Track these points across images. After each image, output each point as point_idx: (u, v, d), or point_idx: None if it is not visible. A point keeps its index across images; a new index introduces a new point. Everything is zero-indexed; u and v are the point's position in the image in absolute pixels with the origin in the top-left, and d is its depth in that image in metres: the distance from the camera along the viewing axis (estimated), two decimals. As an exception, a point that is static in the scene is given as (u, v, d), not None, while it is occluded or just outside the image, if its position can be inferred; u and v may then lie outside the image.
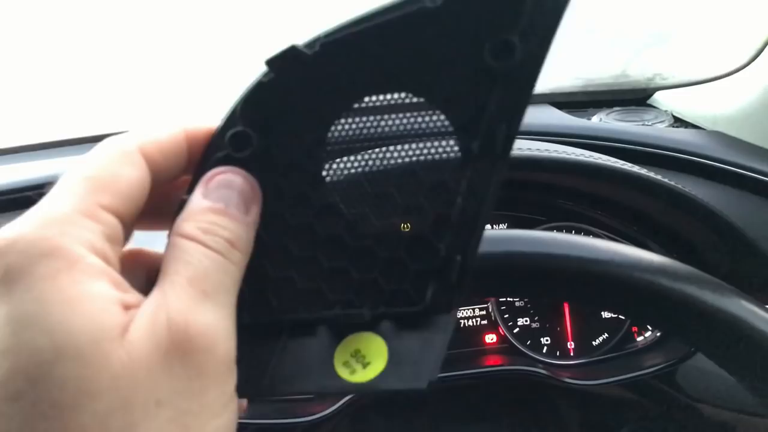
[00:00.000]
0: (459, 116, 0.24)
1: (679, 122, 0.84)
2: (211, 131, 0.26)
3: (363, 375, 0.24)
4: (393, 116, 0.25)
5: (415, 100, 0.25)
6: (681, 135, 0.77)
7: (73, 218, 0.21)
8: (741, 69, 0.79)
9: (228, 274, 0.23)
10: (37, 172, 0.74)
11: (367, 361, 0.25)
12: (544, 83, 0.92)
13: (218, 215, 0.24)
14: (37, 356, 0.18)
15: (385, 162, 0.25)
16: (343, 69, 0.25)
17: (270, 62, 0.25)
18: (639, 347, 0.72)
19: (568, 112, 0.85)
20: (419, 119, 0.25)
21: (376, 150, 0.26)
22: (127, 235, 0.24)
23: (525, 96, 0.24)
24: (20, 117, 1.00)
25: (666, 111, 0.87)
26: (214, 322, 0.21)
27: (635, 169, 0.57)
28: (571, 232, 0.70)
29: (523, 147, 0.57)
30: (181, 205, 0.25)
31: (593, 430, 0.72)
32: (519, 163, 0.58)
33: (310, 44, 0.25)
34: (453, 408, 0.72)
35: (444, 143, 0.25)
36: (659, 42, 0.99)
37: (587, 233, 0.70)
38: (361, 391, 0.25)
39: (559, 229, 0.71)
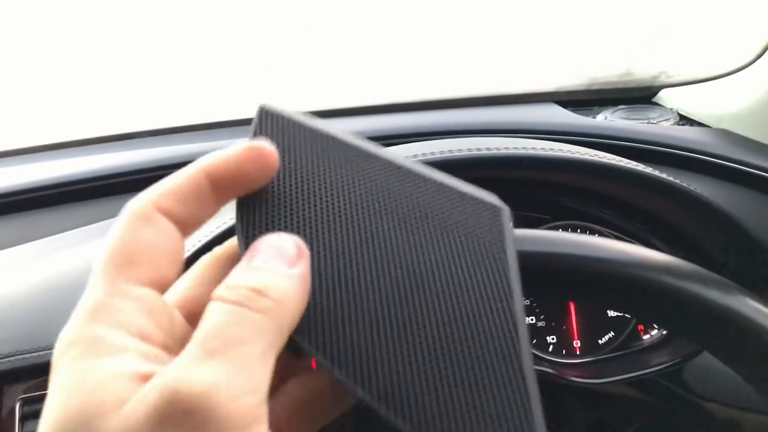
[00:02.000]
0: None
1: (684, 120, 0.84)
2: (232, 160, 0.26)
3: None
4: None
5: None
6: (686, 133, 0.77)
7: (103, 304, 0.22)
8: (746, 67, 0.79)
9: (248, 325, 0.21)
10: (40, 174, 0.74)
11: None
12: (549, 81, 0.92)
13: (253, 272, 0.23)
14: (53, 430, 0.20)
15: None
16: None
17: None
18: (645, 345, 0.72)
19: (573, 111, 0.84)
20: None
21: None
22: (169, 284, 0.25)
23: None
24: (22, 118, 1.01)
25: (671, 109, 0.87)
26: (214, 380, 0.20)
27: (640, 167, 0.57)
28: (575, 231, 0.70)
29: (527, 146, 0.57)
30: None
31: (599, 429, 0.72)
32: (523, 162, 0.58)
33: None
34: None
35: None
36: (664, 40, 0.99)
37: (592, 232, 0.70)
38: None
39: (564, 228, 0.70)
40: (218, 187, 0.25)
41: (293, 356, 0.28)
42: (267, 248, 0.24)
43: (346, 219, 0.28)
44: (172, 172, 0.73)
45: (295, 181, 0.28)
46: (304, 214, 0.27)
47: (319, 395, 0.27)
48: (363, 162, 0.30)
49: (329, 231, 0.27)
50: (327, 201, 0.28)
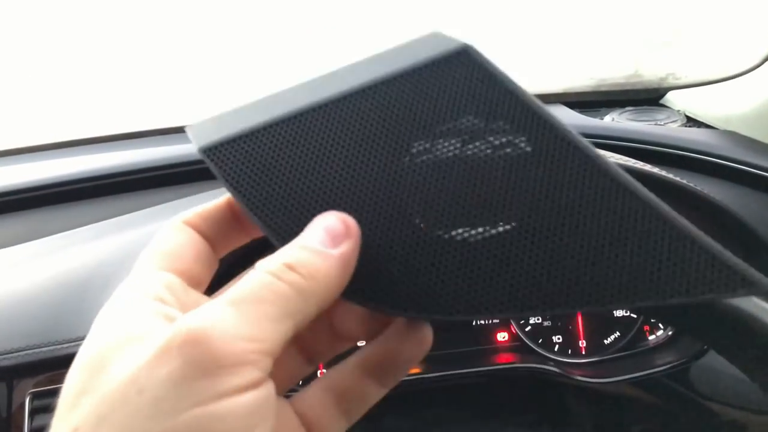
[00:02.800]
0: None
1: (691, 122, 0.84)
2: None
3: None
4: None
5: None
6: (694, 134, 0.77)
7: (132, 281, 0.27)
8: (754, 69, 0.79)
9: (271, 290, 0.24)
10: (54, 172, 0.75)
11: None
12: (557, 82, 0.92)
13: (292, 249, 0.25)
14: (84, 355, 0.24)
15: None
16: None
17: None
18: (650, 346, 0.72)
19: (581, 112, 0.85)
20: None
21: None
22: (200, 281, 0.29)
23: None
24: (24, 118, 1.01)
25: (679, 110, 0.87)
26: (218, 320, 0.22)
27: (647, 168, 0.57)
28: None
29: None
30: None
31: (605, 429, 0.72)
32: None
33: None
34: (464, 406, 0.73)
35: None
36: (672, 42, 0.99)
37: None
38: None
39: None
40: (243, 217, 0.30)
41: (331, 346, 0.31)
42: (315, 227, 0.26)
43: (367, 175, 0.28)
44: (180, 171, 0.74)
45: (301, 178, 0.28)
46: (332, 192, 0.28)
47: (357, 384, 0.30)
48: (322, 119, 0.29)
49: (359, 196, 0.27)
50: (341, 170, 0.28)
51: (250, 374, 0.22)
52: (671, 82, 0.91)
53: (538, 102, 0.28)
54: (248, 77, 1.07)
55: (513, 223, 0.26)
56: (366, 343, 0.30)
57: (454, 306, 0.26)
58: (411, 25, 1.19)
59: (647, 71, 0.95)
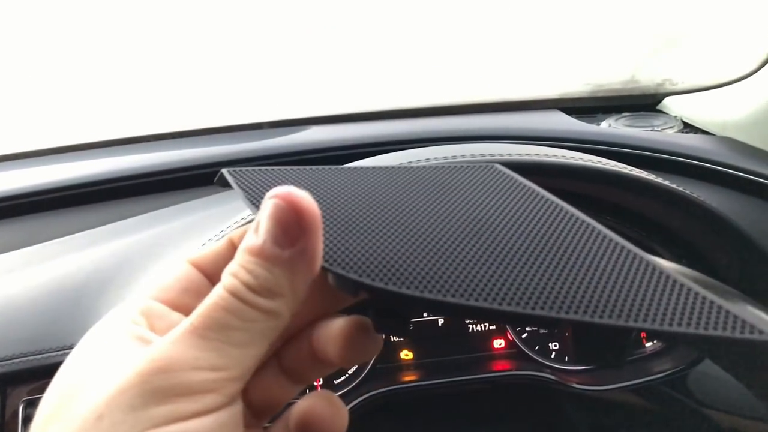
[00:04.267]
0: None
1: (688, 128, 0.84)
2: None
3: None
4: None
5: None
6: (690, 140, 0.77)
7: (126, 307, 0.27)
8: (750, 75, 0.79)
9: (236, 315, 0.23)
10: (46, 178, 0.75)
11: None
12: (554, 88, 0.92)
13: (249, 255, 0.24)
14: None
15: None
16: None
17: None
18: (648, 353, 0.72)
19: (577, 118, 0.85)
20: None
21: None
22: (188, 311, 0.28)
23: None
24: (29, 121, 1.01)
25: (675, 116, 0.87)
26: (180, 350, 0.23)
27: (644, 174, 0.57)
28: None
29: (531, 152, 0.57)
30: None
31: (601, 436, 0.72)
32: (527, 169, 0.58)
33: None
34: (461, 413, 0.72)
35: None
36: (668, 47, 0.99)
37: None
38: None
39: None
40: None
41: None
42: (268, 220, 0.23)
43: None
44: (178, 176, 0.73)
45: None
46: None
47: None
48: (349, 176, 0.32)
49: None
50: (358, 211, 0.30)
51: (212, 400, 0.23)
52: (668, 87, 0.92)
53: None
54: (245, 81, 1.07)
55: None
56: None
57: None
58: (410, 26, 1.19)
59: (644, 77, 0.95)
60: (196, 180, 0.74)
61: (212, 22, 1.17)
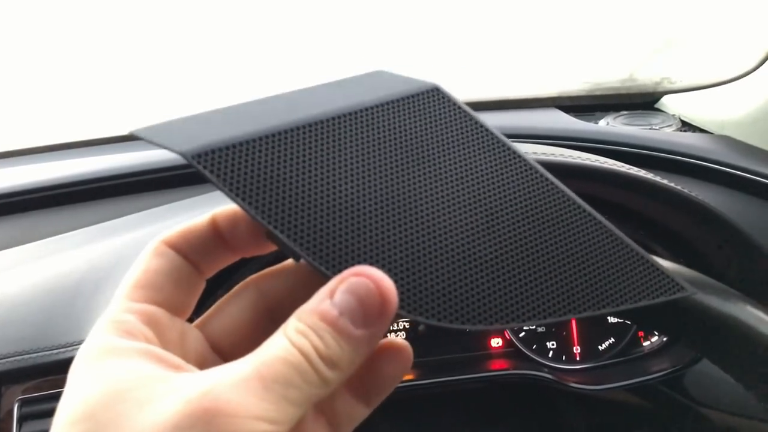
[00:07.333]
0: None
1: (686, 126, 0.84)
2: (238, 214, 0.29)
3: None
4: None
5: None
6: (688, 139, 0.77)
7: (113, 318, 0.26)
8: (749, 73, 0.79)
9: (299, 373, 0.23)
10: (42, 175, 0.74)
11: None
12: (552, 86, 0.92)
13: (325, 324, 0.24)
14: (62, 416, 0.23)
15: None
16: None
17: None
18: (645, 352, 0.72)
19: (575, 116, 0.84)
20: None
21: None
22: (183, 308, 0.28)
23: None
24: (24, 119, 1.01)
25: (673, 115, 0.87)
26: (241, 395, 0.22)
27: (642, 173, 0.57)
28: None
29: (529, 151, 0.57)
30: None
31: (599, 435, 0.72)
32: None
33: None
34: (458, 412, 0.72)
35: None
36: (667, 46, 0.99)
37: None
38: None
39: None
40: (224, 228, 0.29)
41: None
42: (348, 294, 0.24)
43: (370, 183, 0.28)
44: (173, 174, 0.73)
45: (311, 187, 0.27)
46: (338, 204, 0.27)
47: (344, 405, 0.29)
48: (318, 135, 0.29)
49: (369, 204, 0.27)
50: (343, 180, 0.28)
51: None
52: (666, 86, 0.91)
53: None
54: (240, 81, 1.07)
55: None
56: None
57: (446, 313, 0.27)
58: (409, 26, 1.19)
59: (642, 75, 0.94)
60: (191, 178, 0.73)
61: (208, 19, 1.16)
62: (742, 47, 0.81)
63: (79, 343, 0.54)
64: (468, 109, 0.32)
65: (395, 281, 0.25)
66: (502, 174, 0.31)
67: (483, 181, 0.30)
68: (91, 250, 0.63)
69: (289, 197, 0.27)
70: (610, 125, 0.83)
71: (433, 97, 0.32)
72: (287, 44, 1.13)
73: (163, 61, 1.09)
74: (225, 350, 0.29)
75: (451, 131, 0.31)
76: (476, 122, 0.32)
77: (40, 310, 0.57)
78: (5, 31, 1.09)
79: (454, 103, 0.32)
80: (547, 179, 0.32)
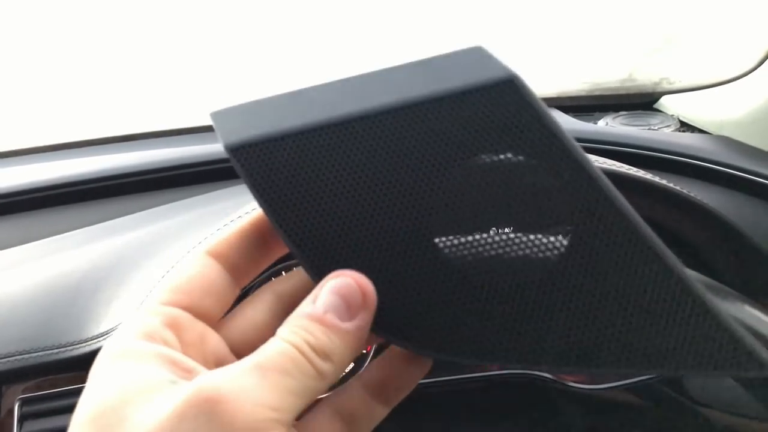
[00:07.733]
0: None
1: (685, 127, 0.84)
2: None
3: None
4: None
5: None
6: (687, 139, 0.77)
7: (137, 321, 0.27)
8: (748, 74, 0.79)
9: (295, 364, 0.24)
10: (43, 175, 0.74)
11: None
12: (551, 87, 0.92)
13: (313, 322, 0.25)
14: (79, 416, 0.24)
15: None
16: None
17: None
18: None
19: (574, 116, 0.85)
20: None
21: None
22: (211, 314, 0.29)
23: None
24: (26, 118, 1.01)
25: (672, 115, 0.87)
26: (238, 383, 0.23)
27: (640, 173, 0.57)
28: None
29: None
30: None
31: (598, 435, 0.72)
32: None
33: None
34: (456, 412, 0.72)
35: None
36: (666, 46, 0.99)
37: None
38: None
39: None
40: (269, 239, 0.30)
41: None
42: (330, 294, 0.26)
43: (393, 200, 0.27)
44: (177, 174, 0.73)
45: (327, 192, 0.28)
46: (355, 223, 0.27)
47: (363, 405, 0.31)
48: (357, 135, 0.28)
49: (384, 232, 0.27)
50: (363, 190, 0.27)
51: None
52: (665, 86, 0.92)
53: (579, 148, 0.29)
54: (246, 80, 1.07)
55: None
56: (368, 365, 0.31)
57: (471, 349, 0.27)
58: (409, 27, 1.19)
59: (641, 75, 0.95)
60: (192, 178, 0.73)
61: (210, 18, 1.16)
62: (741, 48, 0.81)
63: (80, 342, 0.54)
64: (543, 109, 0.28)
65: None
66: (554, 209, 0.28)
67: (521, 214, 0.27)
68: (91, 249, 0.64)
69: (299, 201, 0.27)
70: (609, 125, 0.83)
71: (504, 92, 0.27)
72: (287, 44, 1.13)
73: (163, 62, 1.09)
74: (244, 353, 0.29)
75: (506, 140, 0.27)
76: (547, 130, 0.28)
77: (41, 309, 0.57)
78: (5, 31, 1.09)
79: (527, 102, 0.27)
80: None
